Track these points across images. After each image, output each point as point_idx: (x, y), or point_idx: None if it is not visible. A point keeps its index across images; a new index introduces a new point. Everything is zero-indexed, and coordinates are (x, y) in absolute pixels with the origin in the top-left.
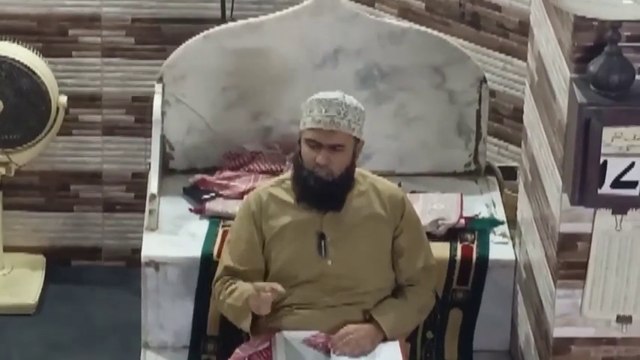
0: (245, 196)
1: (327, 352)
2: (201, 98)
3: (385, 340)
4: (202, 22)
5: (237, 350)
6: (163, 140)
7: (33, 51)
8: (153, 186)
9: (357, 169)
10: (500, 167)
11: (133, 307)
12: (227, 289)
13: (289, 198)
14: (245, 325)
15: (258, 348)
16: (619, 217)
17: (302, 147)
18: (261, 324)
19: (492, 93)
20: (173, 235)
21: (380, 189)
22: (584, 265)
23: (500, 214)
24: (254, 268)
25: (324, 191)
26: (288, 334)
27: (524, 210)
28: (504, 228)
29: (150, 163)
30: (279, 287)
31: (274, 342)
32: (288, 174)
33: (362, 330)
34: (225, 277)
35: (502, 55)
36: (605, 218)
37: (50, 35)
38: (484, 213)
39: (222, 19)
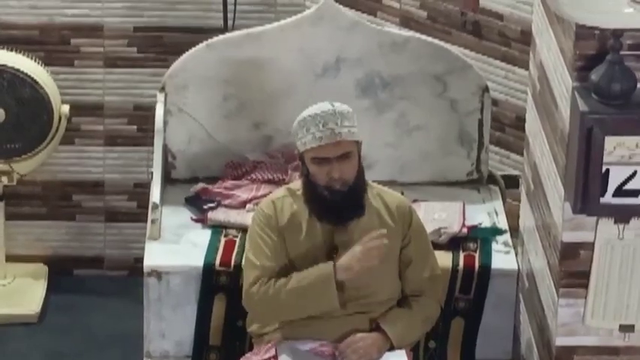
0: (257, 206)
1: None
2: (203, 108)
3: (392, 349)
4: (204, 32)
5: None
6: (165, 150)
7: (35, 60)
8: (155, 195)
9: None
10: (502, 176)
11: (135, 317)
12: (275, 284)
13: (301, 209)
14: (331, 296)
15: (263, 357)
16: (621, 225)
17: (309, 167)
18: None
19: (494, 102)
20: (175, 245)
21: (387, 200)
22: (587, 274)
23: (502, 222)
24: (282, 265)
25: (344, 202)
26: (293, 343)
27: (527, 219)
28: (506, 237)
29: (152, 173)
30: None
31: (279, 351)
32: (297, 184)
33: (369, 338)
34: (263, 279)
35: (504, 64)
36: (607, 227)
37: (52, 44)
38: (486, 222)
39: (224, 29)
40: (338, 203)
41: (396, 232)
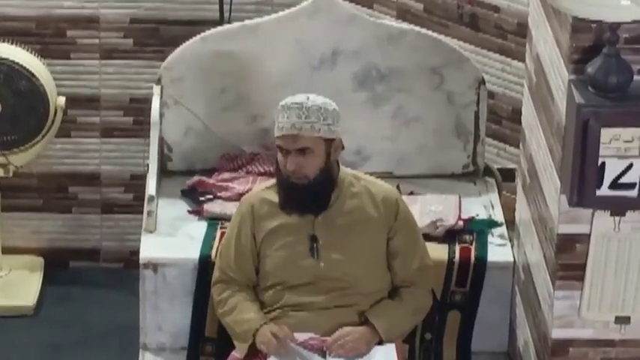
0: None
1: (323, 355)
2: (199, 100)
3: (381, 342)
4: (200, 24)
5: (233, 352)
6: (161, 142)
7: (31, 52)
8: (151, 187)
9: (352, 172)
10: (498, 169)
11: (131, 309)
12: (227, 301)
13: None
14: (241, 349)
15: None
16: (617, 218)
17: (277, 154)
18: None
19: (491, 94)
20: (171, 237)
21: (373, 191)
22: (583, 267)
23: (498, 215)
24: (244, 274)
25: (302, 195)
26: None
27: (523, 211)
28: (503, 229)
29: (148, 165)
30: (290, 337)
31: None
32: None
33: (357, 332)
34: (221, 285)
35: (500, 57)
36: (603, 220)
37: (48, 37)
38: (482, 214)
39: (221, 21)
40: (296, 196)
41: (381, 223)
